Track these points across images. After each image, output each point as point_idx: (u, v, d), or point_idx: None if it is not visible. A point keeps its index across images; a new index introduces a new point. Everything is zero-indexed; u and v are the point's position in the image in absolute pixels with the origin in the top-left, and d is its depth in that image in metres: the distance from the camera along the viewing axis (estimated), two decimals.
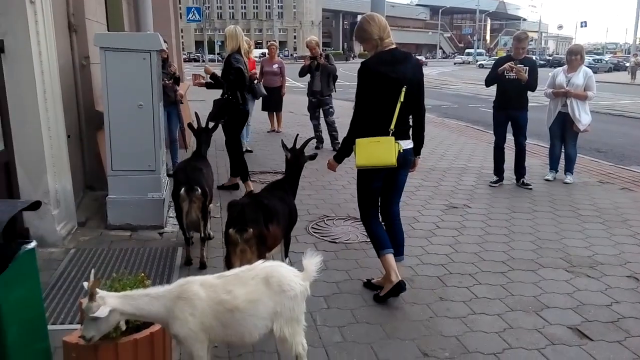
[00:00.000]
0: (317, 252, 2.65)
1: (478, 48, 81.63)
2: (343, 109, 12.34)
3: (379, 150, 3.49)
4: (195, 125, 5.37)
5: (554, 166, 7.28)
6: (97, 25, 6.33)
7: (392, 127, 3.50)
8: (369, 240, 3.92)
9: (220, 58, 48.05)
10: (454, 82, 32.89)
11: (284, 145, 4.18)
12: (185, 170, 4.45)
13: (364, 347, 3.15)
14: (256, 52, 31.94)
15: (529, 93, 6.68)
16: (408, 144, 3.67)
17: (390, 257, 3.69)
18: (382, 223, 3.88)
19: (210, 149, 5.57)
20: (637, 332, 3.37)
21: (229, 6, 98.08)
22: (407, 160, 3.69)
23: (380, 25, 3.55)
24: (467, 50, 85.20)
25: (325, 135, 9.18)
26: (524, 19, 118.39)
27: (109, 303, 2.21)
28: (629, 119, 15.57)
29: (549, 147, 7.41)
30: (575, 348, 3.18)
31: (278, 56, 11.15)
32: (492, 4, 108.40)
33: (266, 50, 12.51)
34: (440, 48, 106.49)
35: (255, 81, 8.57)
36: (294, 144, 4.12)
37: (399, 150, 3.52)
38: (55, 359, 2.73)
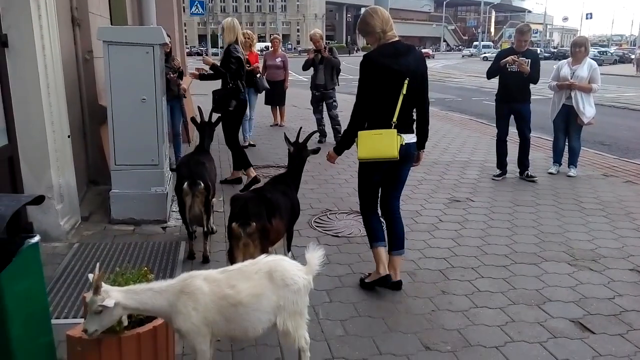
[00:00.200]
0: (319, 246, 2.66)
1: (483, 40, 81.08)
2: (346, 102, 12.26)
3: (381, 143, 3.50)
4: (199, 120, 5.38)
5: (557, 159, 7.26)
6: (100, 19, 6.33)
7: (394, 119, 3.50)
8: None
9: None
10: (457, 75, 32.77)
11: (286, 139, 4.18)
12: (188, 164, 4.46)
13: (366, 341, 3.16)
14: (259, 46, 31.84)
15: (532, 86, 6.66)
16: (411, 138, 3.66)
17: (382, 250, 3.77)
18: (382, 217, 3.90)
19: (214, 143, 5.57)
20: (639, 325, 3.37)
21: None
22: (409, 155, 3.68)
23: (383, 18, 3.55)
24: (474, 43, 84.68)
25: (328, 129, 9.17)
26: (529, 11, 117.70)
27: (113, 297, 2.23)
28: (633, 112, 15.49)
29: (552, 140, 7.39)
30: (577, 341, 3.18)
31: (281, 49, 11.14)
32: None
33: (269, 44, 12.46)
34: (445, 41, 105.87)
35: (258, 75, 8.57)
36: (296, 138, 4.12)
37: (401, 144, 3.52)
38: (58, 352, 2.75)
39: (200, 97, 11.92)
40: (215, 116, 5.69)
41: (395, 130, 3.50)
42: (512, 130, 6.97)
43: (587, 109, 6.79)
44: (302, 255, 2.71)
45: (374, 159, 3.56)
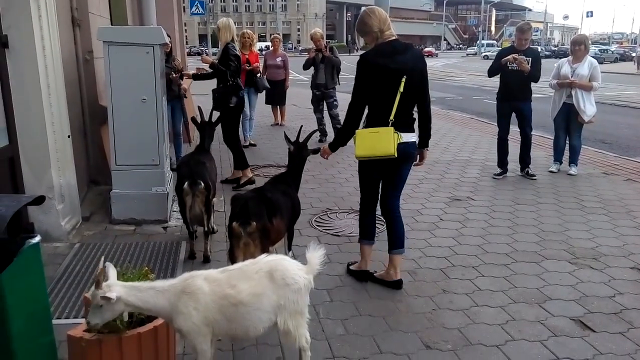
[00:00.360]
0: (320, 245, 2.67)
1: (483, 39, 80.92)
2: (347, 101, 12.19)
3: (377, 141, 3.50)
4: (199, 119, 5.38)
5: (558, 158, 7.26)
6: (100, 19, 6.33)
7: (391, 117, 3.50)
8: None
9: None
10: (458, 74, 32.72)
11: (287, 139, 4.18)
12: (189, 164, 4.47)
13: (367, 340, 3.16)
14: (259, 45, 31.80)
15: (533, 84, 6.66)
16: (411, 137, 3.64)
17: (367, 248, 3.92)
18: (382, 216, 3.92)
19: (214, 142, 5.58)
20: None
21: None
22: (409, 154, 3.67)
23: (381, 17, 3.56)
24: (478, 42, 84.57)
25: (328, 128, 9.17)
26: (530, 9, 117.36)
27: (115, 291, 2.23)
28: (634, 110, 15.47)
29: (553, 138, 7.39)
30: (578, 339, 3.18)
31: (282, 49, 11.13)
32: None
33: (269, 43, 12.45)
34: (445, 39, 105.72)
35: (259, 74, 8.57)
36: (297, 137, 4.12)
37: (399, 142, 3.51)
38: (59, 353, 2.75)
39: (200, 97, 11.92)
40: (215, 116, 5.69)
41: (392, 128, 3.49)
42: (514, 129, 6.97)
43: (587, 107, 6.78)
44: (302, 255, 2.71)
45: (371, 157, 3.57)
